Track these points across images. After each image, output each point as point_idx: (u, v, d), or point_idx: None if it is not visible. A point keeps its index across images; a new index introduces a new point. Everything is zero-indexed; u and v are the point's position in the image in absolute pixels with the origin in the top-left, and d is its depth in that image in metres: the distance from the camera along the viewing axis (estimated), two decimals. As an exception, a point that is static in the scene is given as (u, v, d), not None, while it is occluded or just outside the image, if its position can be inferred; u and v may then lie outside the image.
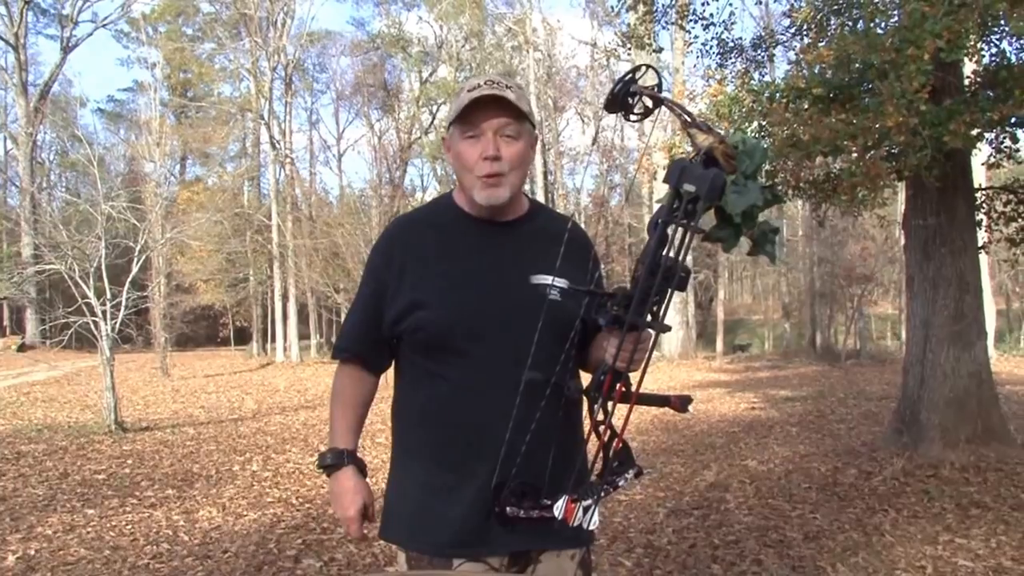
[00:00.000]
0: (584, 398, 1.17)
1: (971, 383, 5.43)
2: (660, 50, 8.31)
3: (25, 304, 23.59)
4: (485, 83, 1.34)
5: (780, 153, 4.88)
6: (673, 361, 17.20)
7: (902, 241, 6.79)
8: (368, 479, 1.50)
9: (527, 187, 20.27)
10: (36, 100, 25.59)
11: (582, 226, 1.86)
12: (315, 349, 22.84)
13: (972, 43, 4.67)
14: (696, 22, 6.74)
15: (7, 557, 3.68)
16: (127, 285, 8.21)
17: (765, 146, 1.13)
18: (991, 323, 13.62)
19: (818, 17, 5.80)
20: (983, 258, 6.16)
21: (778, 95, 5.32)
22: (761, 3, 10.65)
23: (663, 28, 7.92)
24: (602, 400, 1.11)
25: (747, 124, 5.66)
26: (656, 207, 1.06)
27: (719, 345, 19.25)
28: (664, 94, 1.09)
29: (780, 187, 5.54)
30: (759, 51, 6.81)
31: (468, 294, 1.36)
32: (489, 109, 1.33)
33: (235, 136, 28.86)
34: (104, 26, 27.56)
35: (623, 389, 1.12)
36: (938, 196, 5.49)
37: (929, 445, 5.35)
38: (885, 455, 5.47)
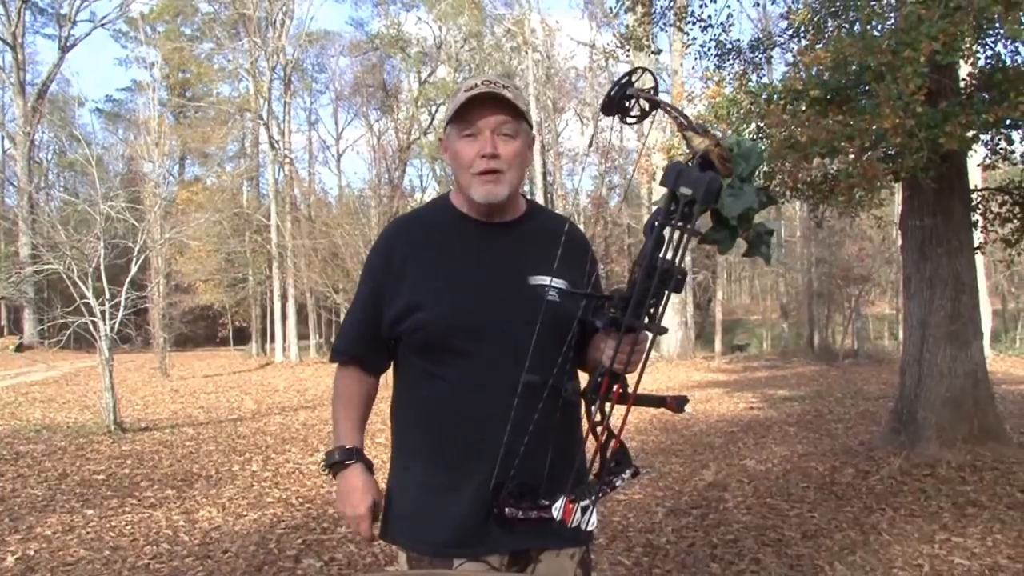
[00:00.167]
0: (582, 400, 1.17)
1: (967, 383, 5.46)
2: (659, 51, 8.33)
3: (23, 304, 23.56)
4: (482, 83, 1.34)
5: (778, 154, 4.90)
6: (672, 361, 17.21)
7: (899, 242, 6.82)
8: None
9: (527, 188, 20.33)
10: (34, 100, 25.54)
11: (581, 227, 1.87)
12: (314, 349, 22.83)
13: (967, 46, 4.69)
14: (694, 24, 6.76)
15: (6, 558, 3.68)
16: (126, 285, 8.20)
17: (761, 149, 1.15)
18: (987, 323, 13.61)
19: (815, 19, 5.82)
20: (979, 259, 6.19)
21: (776, 97, 5.34)
22: (759, 5, 10.65)
23: (661, 30, 7.95)
24: (599, 402, 1.12)
25: (745, 125, 5.68)
26: (654, 208, 1.07)
27: (717, 345, 19.27)
28: (660, 97, 1.10)
29: (778, 188, 5.56)
30: (757, 53, 6.83)
31: (467, 294, 1.36)
32: (486, 107, 1.33)
33: (234, 136, 28.89)
34: (102, 26, 27.58)
35: (620, 391, 1.13)
36: (934, 197, 5.52)
37: (926, 444, 5.37)
38: (882, 454, 5.49)
